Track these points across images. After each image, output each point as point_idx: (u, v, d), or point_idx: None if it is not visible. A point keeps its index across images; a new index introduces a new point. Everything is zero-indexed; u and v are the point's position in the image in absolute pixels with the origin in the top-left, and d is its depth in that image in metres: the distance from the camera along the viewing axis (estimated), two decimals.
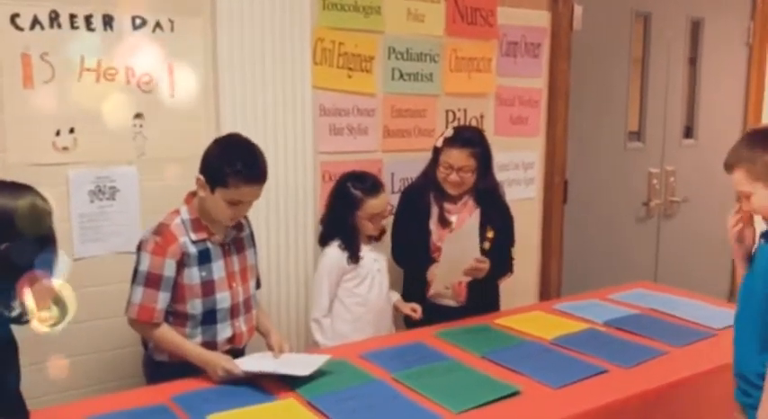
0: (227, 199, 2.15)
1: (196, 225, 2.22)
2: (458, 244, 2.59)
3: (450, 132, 2.77)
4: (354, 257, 2.64)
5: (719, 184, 4.46)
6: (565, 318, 2.68)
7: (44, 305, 1.52)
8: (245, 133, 2.62)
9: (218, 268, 2.25)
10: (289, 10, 2.75)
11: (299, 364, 2.13)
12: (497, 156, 2.92)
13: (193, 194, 2.25)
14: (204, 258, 2.21)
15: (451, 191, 2.75)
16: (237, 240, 2.33)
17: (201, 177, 2.18)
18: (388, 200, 2.74)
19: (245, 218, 2.37)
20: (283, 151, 2.80)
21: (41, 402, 2.10)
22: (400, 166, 3.15)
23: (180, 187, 2.33)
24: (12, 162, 2.32)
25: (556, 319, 2.68)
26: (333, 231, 2.68)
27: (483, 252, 2.67)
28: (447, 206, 2.78)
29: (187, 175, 2.30)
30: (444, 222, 2.76)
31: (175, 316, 2.22)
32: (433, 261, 2.71)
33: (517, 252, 2.95)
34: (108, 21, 2.44)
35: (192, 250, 2.20)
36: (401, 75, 3.12)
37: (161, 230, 2.19)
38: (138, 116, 2.52)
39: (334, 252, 2.65)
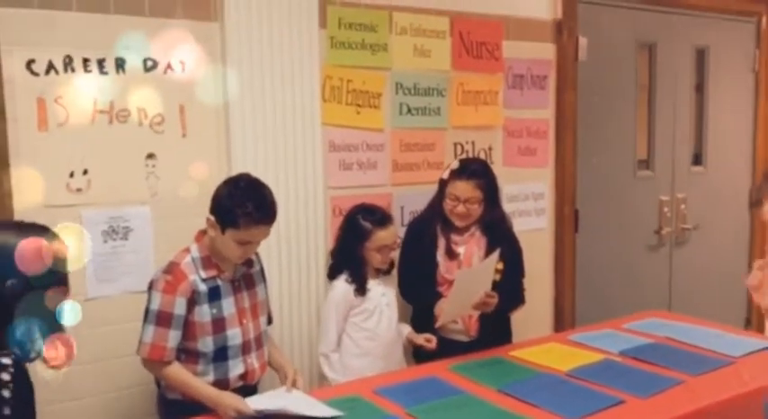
0: (237, 239, 2.17)
1: (206, 262, 2.24)
2: (471, 279, 2.59)
3: (456, 164, 2.79)
4: (361, 290, 2.64)
5: (730, 211, 4.47)
6: (580, 349, 2.66)
7: (52, 346, 1.53)
8: (257, 170, 2.67)
9: (228, 305, 2.26)
10: (298, 49, 2.80)
11: (310, 407, 2.11)
12: (507, 188, 2.93)
13: (203, 232, 2.28)
14: (214, 295, 2.23)
15: (458, 223, 2.75)
16: (247, 276, 2.35)
17: (212, 217, 2.21)
18: (396, 233, 2.75)
19: (256, 254, 2.39)
20: (294, 187, 2.82)
21: None
22: (410, 199, 3.17)
23: (192, 226, 2.35)
24: (27, 203, 2.35)
25: (571, 350, 2.66)
26: (341, 263, 2.69)
27: (493, 284, 2.66)
28: (454, 237, 2.78)
29: (200, 214, 2.32)
30: (451, 254, 2.76)
31: (187, 353, 2.23)
32: (439, 294, 2.70)
33: (530, 283, 2.94)
34: (120, 63, 2.49)
35: (203, 287, 2.21)
36: (409, 110, 3.16)
37: (171, 269, 2.21)
38: (150, 156, 2.56)
39: (342, 285, 2.65)
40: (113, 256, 2.51)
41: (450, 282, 2.67)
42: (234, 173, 2.66)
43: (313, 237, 2.88)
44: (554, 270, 3.75)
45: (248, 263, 2.34)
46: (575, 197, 3.74)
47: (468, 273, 2.63)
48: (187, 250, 2.27)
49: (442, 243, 2.77)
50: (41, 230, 1.57)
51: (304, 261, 2.87)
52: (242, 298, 2.31)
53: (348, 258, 2.67)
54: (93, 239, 2.48)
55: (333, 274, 2.72)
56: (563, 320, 3.74)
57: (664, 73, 4.12)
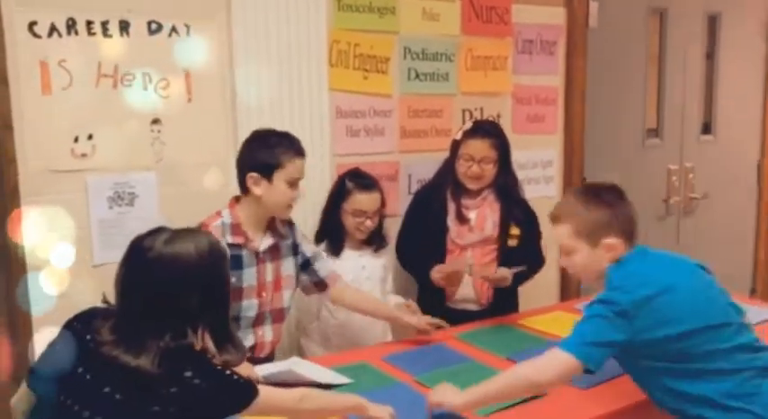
0: (287, 179, 2.20)
1: (235, 229, 2.23)
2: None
3: (469, 125, 2.76)
4: (335, 251, 2.61)
5: (738, 180, 4.44)
6: None
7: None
8: None
9: (249, 276, 2.24)
10: (304, 12, 2.75)
11: (319, 374, 2.11)
12: (516, 155, 2.89)
13: (237, 199, 2.27)
14: (236, 264, 2.20)
15: (471, 185, 2.70)
16: (274, 248, 2.32)
17: (254, 174, 2.20)
18: (378, 203, 2.68)
19: (290, 224, 2.38)
20: None
21: None
22: (417, 167, 3.13)
23: (198, 192, 2.33)
24: (31, 169, 2.33)
25: (577, 318, 2.63)
26: (322, 225, 2.67)
27: (509, 249, 2.65)
28: (465, 202, 2.72)
29: (205, 180, 2.30)
30: (462, 218, 2.71)
31: None
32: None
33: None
34: (124, 26, 2.44)
35: None
36: (417, 76, 3.11)
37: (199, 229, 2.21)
38: (155, 121, 2.52)
39: None
40: (119, 222, 2.48)
41: (462, 247, 2.65)
42: (240, 138, 2.64)
43: (320, 205, 2.85)
44: None
45: (278, 234, 2.32)
46: (583, 165, 3.70)
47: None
48: (219, 214, 2.26)
49: (452, 207, 2.72)
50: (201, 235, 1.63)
51: (310, 229, 2.84)
52: (264, 270, 2.29)
53: (328, 220, 2.65)
54: (98, 205, 2.46)
55: (318, 240, 2.68)
56: (569, 289, 3.73)
57: (675, 40, 4.06)
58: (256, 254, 2.27)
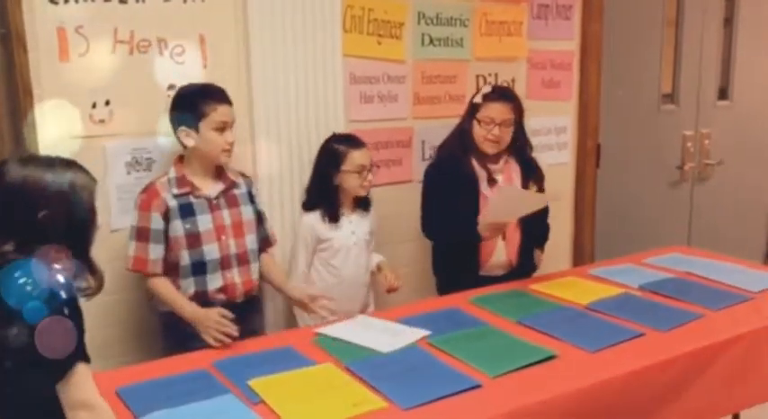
0: (213, 127, 2.31)
1: (181, 181, 2.36)
2: (512, 197, 2.65)
3: (488, 88, 2.77)
4: (334, 217, 2.64)
5: (755, 146, 4.41)
6: (600, 283, 2.67)
7: (82, 276, 1.56)
8: (276, 102, 2.71)
9: (204, 221, 2.37)
10: None
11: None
12: (530, 121, 2.90)
13: (181, 157, 2.39)
14: (186, 211, 2.35)
15: (490, 149, 2.70)
16: (229, 196, 2.44)
17: (183, 127, 2.32)
18: (371, 157, 2.70)
19: (243, 177, 2.50)
20: (314, 120, 2.81)
21: None
22: (431, 133, 3.14)
23: None
24: (49, 135, 2.35)
25: (591, 284, 2.67)
26: (316, 194, 2.67)
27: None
28: (491, 167, 2.73)
29: None
30: (492, 183, 2.72)
31: (170, 267, 2.36)
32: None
33: (550, 217, 2.94)
34: None
35: (173, 203, 2.33)
36: (431, 41, 3.10)
37: (147, 187, 2.36)
38: (171, 87, 2.53)
39: (309, 218, 2.66)
40: (137, 188, 2.49)
41: None
42: (255, 103, 2.66)
43: None
44: (574, 205, 3.74)
45: (228, 183, 2.44)
46: (597, 131, 3.69)
47: (511, 191, 2.67)
48: (166, 172, 2.40)
49: (482, 175, 2.71)
50: (69, 165, 1.58)
51: None
52: (221, 215, 2.41)
53: (323, 188, 2.65)
54: (116, 170, 2.49)
55: (308, 208, 2.69)
56: (582, 255, 3.76)
57: (692, 3, 4.00)
58: (209, 201, 2.39)
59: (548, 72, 3.49)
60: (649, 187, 4.04)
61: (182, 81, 2.53)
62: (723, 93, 4.31)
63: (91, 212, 1.59)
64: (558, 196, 3.16)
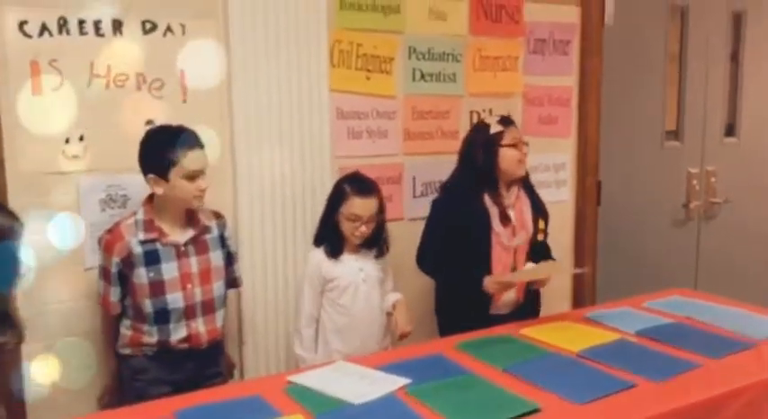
0: (184, 175, 2.19)
1: (148, 225, 2.25)
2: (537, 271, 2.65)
3: (494, 118, 2.74)
4: (334, 254, 2.55)
5: (763, 184, 4.28)
6: (594, 328, 2.54)
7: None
8: (261, 138, 2.65)
9: (169, 269, 2.26)
10: (304, 11, 2.69)
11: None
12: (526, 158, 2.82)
13: (150, 197, 2.28)
14: (151, 259, 2.24)
15: (520, 171, 2.69)
16: (199, 242, 2.33)
17: (152, 175, 2.21)
18: (374, 209, 2.55)
19: (217, 218, 2.40)
20: (300, 155, 2.74)
21: None
22: (422, 170, 3.06)
23: None
24: (22, 170, 2.31)
25: (585, 329, 2.54)
26: (323, 229, 2.60)
27: (538, 244, 2.68)
28: (504, 202, 2.69)
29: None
30: (506, 220, 2.67)
31: (135, 312, 2.28)
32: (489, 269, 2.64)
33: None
34: (117, 26, 2.41)
35: (138, 250, 2.23)
36: (422, 76, 3.03)
37: (113, 228, 2.27)
38: (149, 122, 2.47)
39: (315, 257, 2.57)
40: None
41: (506, 249, 2.66)
42: (236, 140, 2.59)
43: (319, 208, 2.78)
44: (574, 244, 3.63)
45: (200, 228, 2.33)
46: (597, 168, 3.60)
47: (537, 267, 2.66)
48: (134, 213, 2.29)
49: (494, 211, 2.66)
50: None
51: (310, 232, 2.78)
52: (188, 263, 2.30)
53: (328, 223, 2.57)
54: (90, 208, 2.42)
55: (317, 243, 2.62)
56: (583, 296, 3.63)
57: (696, 39, 3.92)
58: (176, 247, 2.27)
59: (545, 108, 3.41)
60: (653, 226, 3.92)
61: (160, 117, 2.47)
62: (730, 130, 4.20)
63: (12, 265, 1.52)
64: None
